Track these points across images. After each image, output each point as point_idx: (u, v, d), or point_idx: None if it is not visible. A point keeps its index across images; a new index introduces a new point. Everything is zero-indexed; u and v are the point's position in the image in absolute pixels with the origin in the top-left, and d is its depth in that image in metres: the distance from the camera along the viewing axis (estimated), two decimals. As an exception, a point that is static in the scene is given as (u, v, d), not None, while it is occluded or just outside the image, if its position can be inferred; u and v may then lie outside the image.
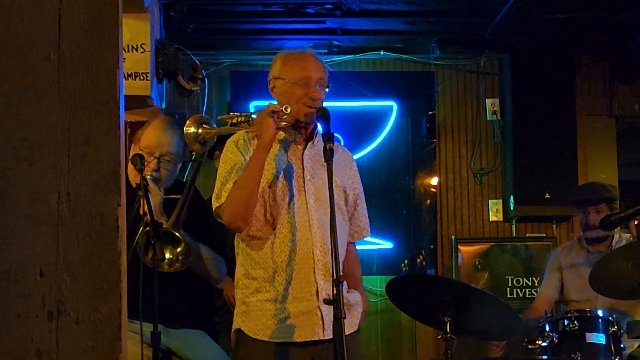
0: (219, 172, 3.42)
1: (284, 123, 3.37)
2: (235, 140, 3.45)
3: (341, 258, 3.31)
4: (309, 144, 3.49)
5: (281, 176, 3.40)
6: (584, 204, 5.25)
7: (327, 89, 3.49)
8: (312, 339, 3.32)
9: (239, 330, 3.40)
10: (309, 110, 3.40)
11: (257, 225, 3.39)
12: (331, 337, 3.07)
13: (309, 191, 3.41)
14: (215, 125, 3.56)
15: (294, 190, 3.38)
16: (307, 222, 3.37)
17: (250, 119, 3.42)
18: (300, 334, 3.31)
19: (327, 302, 2.98)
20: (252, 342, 3.35)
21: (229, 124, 3.46)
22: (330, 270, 3.09)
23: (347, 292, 3.46)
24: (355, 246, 3.72)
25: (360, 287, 3.64)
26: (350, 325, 3.40)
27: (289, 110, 3.33)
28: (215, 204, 3.37)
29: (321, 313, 3.32)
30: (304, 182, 3.41)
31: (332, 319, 3.04)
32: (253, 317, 3.36)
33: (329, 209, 3.32)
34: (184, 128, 3.50)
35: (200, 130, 3.46)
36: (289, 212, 3.36)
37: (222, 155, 3.46)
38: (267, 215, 3.37)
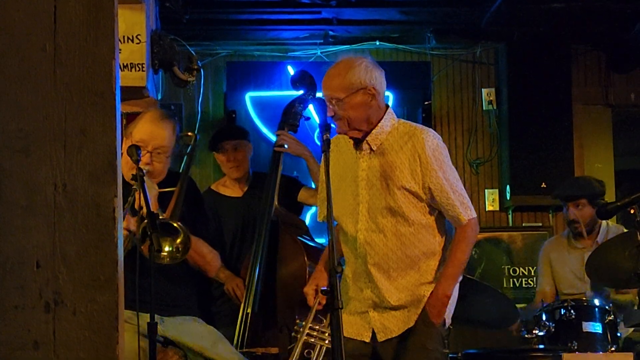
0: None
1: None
2: None
3: (406, 262, 3.47)
4: (368, 154, 3.53)
5: (344, 183, 3.53)
6: (564, 200, 5.30)
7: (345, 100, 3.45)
8: (359, 339, 3.52)
9: None
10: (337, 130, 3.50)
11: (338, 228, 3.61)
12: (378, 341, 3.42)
13: (363, 198, 3.48)
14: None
15: (351, 196, 3.51)
16: (361, 227, 3.50)
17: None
18: (350, 331, 3.46)
19: (324, 292, 3.00)
20: None
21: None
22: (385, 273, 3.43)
23: (427, 284, 3.52)
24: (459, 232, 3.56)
25: (443, 278, 3.50)
26: (405, 322, 3.48)
27: None
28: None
29: (370, 317, 3.51)
30: (359, 189, 3.49)
31: (381, 324, 3.44)
32: None
33: (381, 215, 3.45)
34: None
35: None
36: (349, 217, 3.51)
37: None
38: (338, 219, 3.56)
